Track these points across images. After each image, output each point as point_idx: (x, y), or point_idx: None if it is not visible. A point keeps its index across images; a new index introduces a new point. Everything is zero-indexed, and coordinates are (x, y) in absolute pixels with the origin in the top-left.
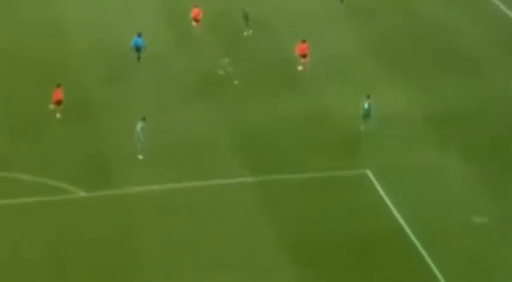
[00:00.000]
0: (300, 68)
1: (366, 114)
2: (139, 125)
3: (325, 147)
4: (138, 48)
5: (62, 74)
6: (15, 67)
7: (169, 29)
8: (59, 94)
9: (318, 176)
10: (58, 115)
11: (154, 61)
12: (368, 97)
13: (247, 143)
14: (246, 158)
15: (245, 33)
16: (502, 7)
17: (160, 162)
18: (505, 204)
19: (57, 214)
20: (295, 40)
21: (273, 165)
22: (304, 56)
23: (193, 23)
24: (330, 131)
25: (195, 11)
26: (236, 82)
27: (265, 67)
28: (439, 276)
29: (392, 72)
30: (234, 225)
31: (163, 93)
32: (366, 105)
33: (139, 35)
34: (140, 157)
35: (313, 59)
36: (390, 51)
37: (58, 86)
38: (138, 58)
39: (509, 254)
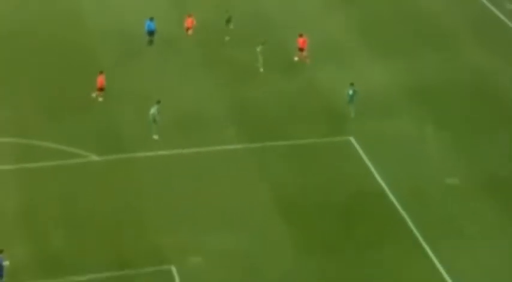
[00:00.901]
0: (296, 58)
1: (350, 100)
2: (155, 108)
3: (313, 118)
4: (151, 32)
5: (78, 54)
6: (35, 47)
7: (174, 12)
8: (102, 80)
9: (307, 143)
10: (100, 99)
11: (163, 43)
12: (352, 84)
13: (243, 115)
14: (242, 127)
15: (226, 38)
16: None
17: (167, 132)
18: (473, 166)
19: (72, 176)
20: (288, 25)
21: (266, 133)
22: (301, 49)
23: (189, 32)
24: (318, 103)
25: (188, 21)
26: (227, 38)
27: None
28: (415, 231)
29: (376, 50)
30: (231, 188)
31: (170, 71)
32: (351, 92)
33: (151, 19)
34: (155, 137)
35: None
36: (374, 33)
37: (101, 72)
38: (151, 41)
39: (477, 209)
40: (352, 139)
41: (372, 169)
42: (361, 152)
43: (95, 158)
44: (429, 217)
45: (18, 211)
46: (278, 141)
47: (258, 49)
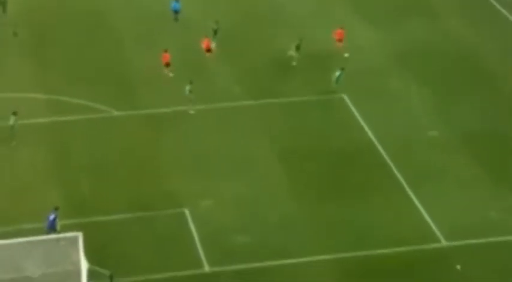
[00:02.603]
0: (345, 54)
1: (336, 81)
2: (187, 87)
3: (310, 77)
4: (176, 11)
5: (101, 28)
6: (61, 20)
7: None
8: (167, 58)
9: (304, 100)
10: (171, 74)
11: (183, 21)
12: (342, 69)
13: (247, 74)
14: (246, 85)
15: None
16: None
17: (181, 91)
18: (451, 121)
19: (97, 129)
20: None
21: (268, 91)
22: (340, 40)
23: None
24: (314, 63)
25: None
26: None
27: (255, 18)
28: (400, 178)
29: (367, 18)
30: (237, 140)
31: (188, 44)
32: (338, 73)
33: (177, 0)
34: (192, 112)
35: (303, 4)
36: (365, 2)
37: (165, 50)
38: (176, 19)
39: (455, 159)
40: (344, 96)
41: (363, 123)
42: (352, 108)
43: (116, 113)
44: (413, 166)
45: (50, 160)
46: (278, 99)
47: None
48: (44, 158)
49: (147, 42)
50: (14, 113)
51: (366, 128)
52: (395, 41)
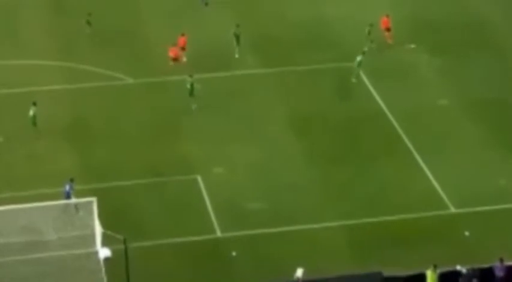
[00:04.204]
0: (389, 41)
1: (358, 65)
2: (189, 80)
3: (322, 47)
4: None
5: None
6: None
7: None
8: (182, 41)
9: (315, 68)
10: (184, 59)
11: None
12: (363, 53)
13: (261, 42)
14: (259, 54)
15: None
16: None
17: (195, 61)
18: (461, 89)
19: (112, 96)
20: None
21: (280, 59)
22: (388, 29)
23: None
24: (327, 35)
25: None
26: None
27: None
28: (409, 145)
29: None
30: (250, 105)
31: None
32: (359, 58)
33: None
34: (236, 56)
35: None
36: None
37: (183, 34)
38: (206, 3)
39: (463, 126)
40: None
41: (373, 92)
42: (364, 77)
43: (131, 80)
44: (422, 133)
45: (68, 125)
46: (291, 67)
47: None
48: (60, 124)
49: (169, 17)
50: (34, 104)
51: (377, 97)
52: (405, 12)
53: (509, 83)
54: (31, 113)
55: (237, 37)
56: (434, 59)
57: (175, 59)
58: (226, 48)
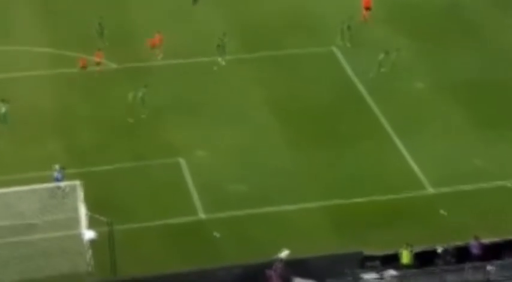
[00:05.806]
0: (362, 19)
1: (379, 64)
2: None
3: (301, 32)
4: None
5: None
6: None
7: None
8: (157, 40)
9: (295, 53)
10: (161, 56)
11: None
12: (387, 53)
13: (243, 30)
14: (242, 40)
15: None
16: None
17: (179, 49)
18: (438, 72)
19: (96, 81)
20: None
21: (262, 45)
22: (368, 8)
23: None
24: (305, 20)
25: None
26: None
27: None
28: (388, 128)
29: None
30: (231, 92)
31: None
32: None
33: None
34: (223, 63)
35: None
36: None
37: (158, 32)
38: (195, 1)
39: (440, 109)
40: (334, 49)
41: (352, 75)
42: (342, 60)
43: (114, 66)
44: (400, 116)
45: (52, 111)
46: (271, 51)
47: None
48: (45, 108)
49: (153, 6)
50: (3, 100)
51: (355, 80)
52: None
53: (486, 66)
54: (3, 109)
55: (223, 47)
56: (412, 41)
57: (153, 47)
58: (209, 37)
